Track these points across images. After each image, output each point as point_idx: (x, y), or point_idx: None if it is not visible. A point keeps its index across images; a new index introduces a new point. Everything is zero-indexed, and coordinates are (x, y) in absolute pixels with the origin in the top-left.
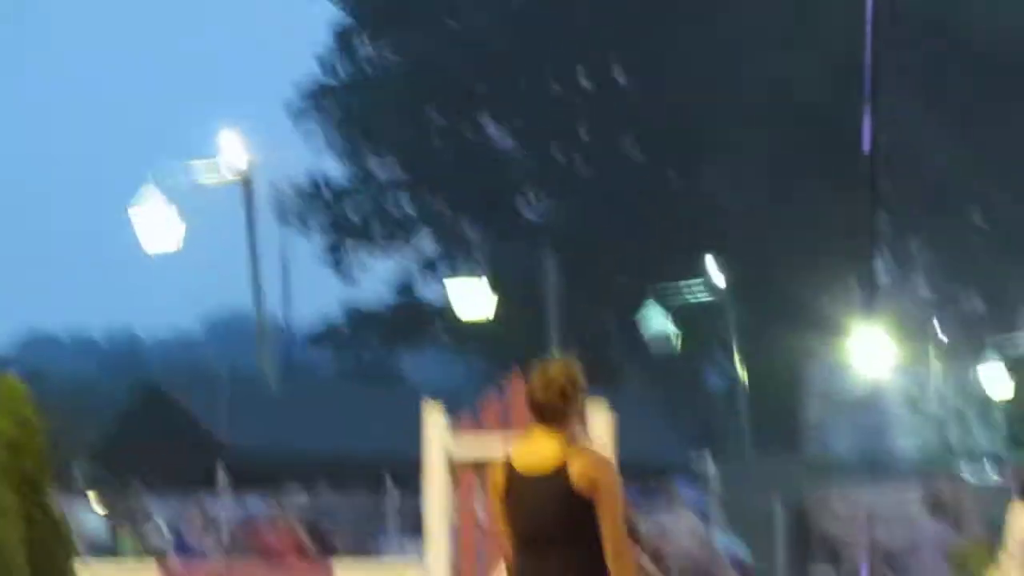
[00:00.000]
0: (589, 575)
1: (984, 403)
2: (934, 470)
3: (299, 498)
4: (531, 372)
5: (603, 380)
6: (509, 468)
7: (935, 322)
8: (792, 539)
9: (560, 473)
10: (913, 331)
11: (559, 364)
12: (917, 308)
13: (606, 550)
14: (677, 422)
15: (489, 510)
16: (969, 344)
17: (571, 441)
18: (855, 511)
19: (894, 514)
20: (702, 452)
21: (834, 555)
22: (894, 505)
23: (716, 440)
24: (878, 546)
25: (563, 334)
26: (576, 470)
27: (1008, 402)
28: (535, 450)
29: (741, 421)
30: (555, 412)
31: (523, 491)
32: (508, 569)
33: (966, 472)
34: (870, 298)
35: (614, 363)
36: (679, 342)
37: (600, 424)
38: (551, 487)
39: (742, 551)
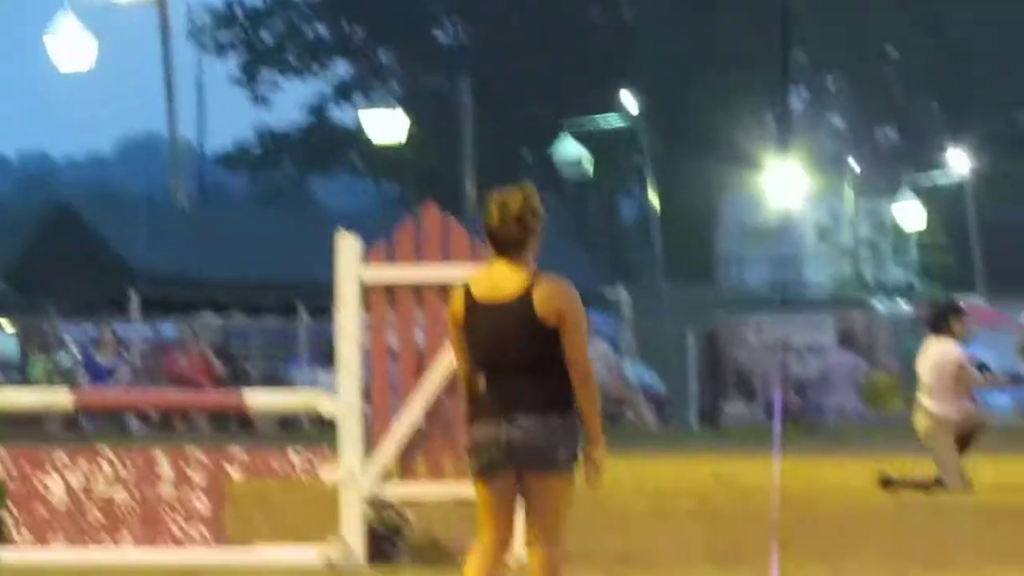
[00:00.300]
0: (554, 401)
1: (897, 235)
2: (846, 302)
3: (211, 325)
4: (488, 203)
5: None
6: (468, 296)
7: (849, 155)
8: (704, 368)
9: (523, 301)
10: (827, 164)
11: (517, 194)
12: (832, 141)
13: (572, 376)
14: (591, 252)
15: (413, 338)
16: (883, 177)
17: (531, 270)
18: (767, 341)
19: (806, 345)
20: (615, 282)
21: (746, 384)
22: (806, 336)
23: (629, 270)
24: (790, 376)
25: (477, 163)
26: (540, 297)
27: (921, 234)
28: (496, 279)
29: (655, 252)
30: (515, 243)
31: (484, 319)
32: (468, 398)
33: (878, 304)
34: (785, 131)
35: None
36: (592, 171)
37: None
38: (514, 315)
39: (654, 380)
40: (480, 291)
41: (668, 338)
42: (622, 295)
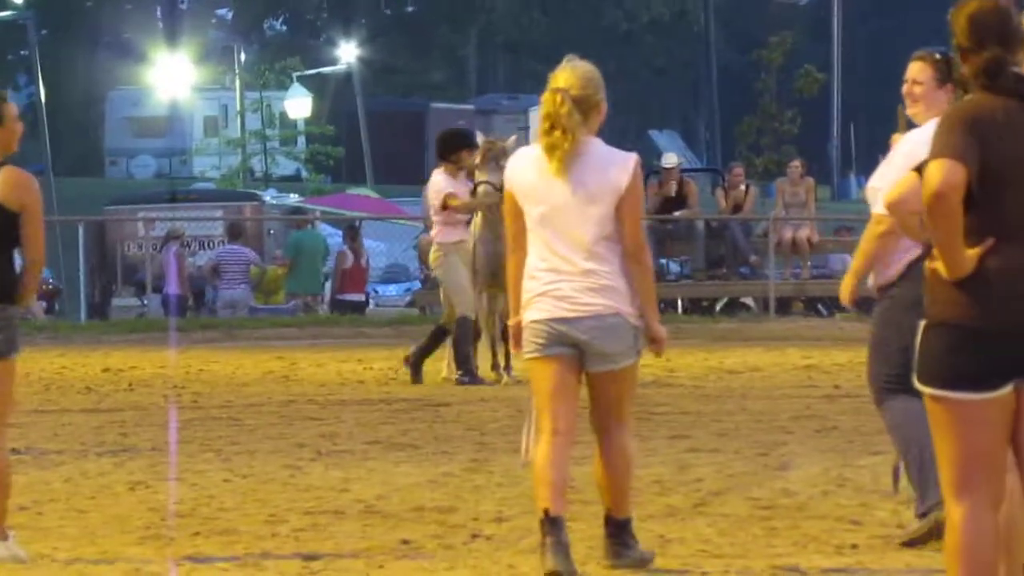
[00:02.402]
0: (7, 281)
1: (286, 127)
2: (235, 195)
3: None
4: None
5: None
6: None
7: (237, 47)
8: (94, 261)
9: None
10: (216, 56)
11: None
12: (220, 33)
13: (28, 258)
14: None
15: None
16: (271, 69)
17: None
18: (157, 234)
19: (196, 238)
20: None
21: (135, 277)
22: (196, 228)
23: (16, 163)
24: (181, 269)
25: None
26: (3, 184)
27: (309, 126)
28: None
29: (43, 145)
30: None
31: None
32: None
33: (267, 196)
34: (172, 23)
35: None
36: None
37: None
38: None
39: (44, 273)
40: None
41: (57, 231)
42: None
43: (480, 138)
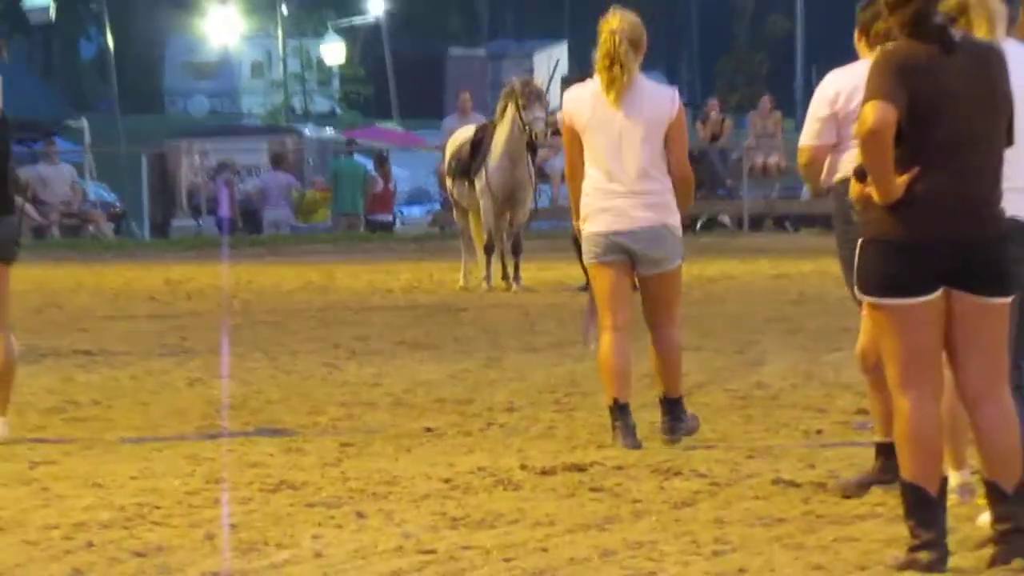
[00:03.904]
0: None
1: (322, 70)
2: (278, 129)
3: None
4: None
5: None
6: None
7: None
8: (156, 186)
9: None
10: (261, 7)
11: None
12: None
13: None
14: (54, 85)
15: None
16: (310, 18)
17: None
18: (211, 163)
19: (244, 166)
20: (77, 113)
21: (193, 201)
22: (244, 158)
23: (89, 102)
24: (232, 193)
25: None
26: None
27: (343, 68)
28: None
29: (111, 85)
30: None
31: None
32: None
33: (306, 130)
34: None
35: None
36: (55, 16)
37: None
38: None
39: (112, 197)
40: None
41: (123, 161)
42: (84, 124)
43: (515, 80)
